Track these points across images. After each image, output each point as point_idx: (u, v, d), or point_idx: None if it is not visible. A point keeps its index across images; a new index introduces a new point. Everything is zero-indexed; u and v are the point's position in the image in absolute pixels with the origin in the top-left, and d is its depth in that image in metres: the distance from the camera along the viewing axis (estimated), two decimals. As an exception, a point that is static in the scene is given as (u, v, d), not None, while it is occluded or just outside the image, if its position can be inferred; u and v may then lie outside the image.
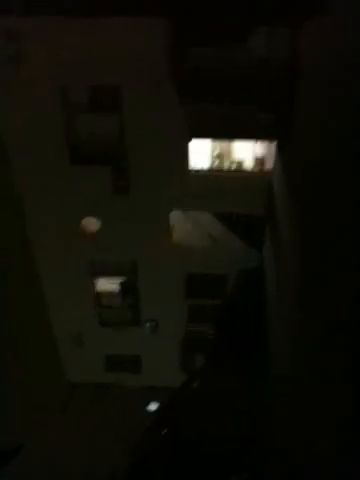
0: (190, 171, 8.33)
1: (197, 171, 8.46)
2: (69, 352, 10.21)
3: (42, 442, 8.81)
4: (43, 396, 9.16)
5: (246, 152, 8.55)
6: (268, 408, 8.20)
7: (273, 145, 7.95)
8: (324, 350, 4.95)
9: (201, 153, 8.60)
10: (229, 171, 8.57)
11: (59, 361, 10.10)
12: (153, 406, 9.54)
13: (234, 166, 8.67)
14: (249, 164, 8.56)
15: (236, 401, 8.74)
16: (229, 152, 8.85)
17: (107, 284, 9.79)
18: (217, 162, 8.81)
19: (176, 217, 9.32)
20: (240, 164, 8.65)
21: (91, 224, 9.24)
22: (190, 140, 7.82)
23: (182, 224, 9.48)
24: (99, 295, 9.89)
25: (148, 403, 9.59)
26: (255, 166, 8.44)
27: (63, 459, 8.77)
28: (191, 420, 8.73)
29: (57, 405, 9.59)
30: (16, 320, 9.04)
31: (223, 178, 8.57)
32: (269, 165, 8.19)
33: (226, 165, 8.69)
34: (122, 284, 9.75)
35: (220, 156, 8.85)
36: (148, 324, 9.83)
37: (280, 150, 7.66)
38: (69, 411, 9.59)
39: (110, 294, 9.82)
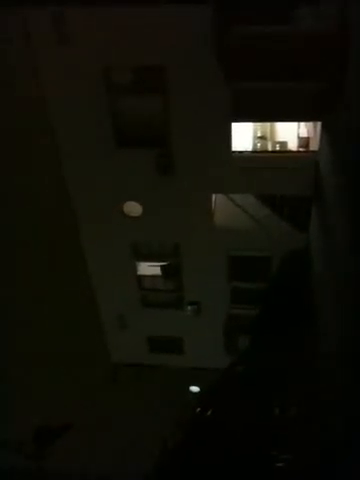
0: (233, 153, 8.25)
1: (240, 152, 8.40)
2: (113, 334, 10.36)
3: (89, 420, 8.99)
4: (89, 376, 9.33)
5: (290, 133, 8.44)
6: (314, 387, 8.14)
7: (317, 125, 7.84)
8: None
9: (244, 134, 8.54)
10: (273, 152, 8.47)
11: (104, 342, 10.27)
12: (196, 388, 9.61)
13: (278, 147, 8.57)
14: (293, 145, 8.44)
15: (281, 382, 8.71)
16: (272, 133, 8.77)
17: (150, 267, 9.88)
18: (260, 144, 8.74)
19: (219, 200, 9.31)
20: (284, 145, 8.54)
21: (134, 208, 9.33)
22: (234, 121, 7.77)
23: (225, 207, 9.45)
24: (141, 278, 9.98)
25: (191, 384, 9.67)
26: (300, 146, 8.33)
27: (110, 437, 8.93)
28: (235, 402, 8.76)
29: (103, 385, 9.75)
30: (62, 302, 9.24)
31: (267, 159, 8.50)
32: (314, 145, 8.08)
33: (269, 146, 8.60)
34: (165, 267, 9.82)
35: (263, 137, 8.77)
36: (190, 307, 9.88)
37: (326, 129, 7.55)
38: (114, 391, 9.75)
39: (152, 277, 9.90)
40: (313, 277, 9.12)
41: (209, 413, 8.78)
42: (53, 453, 8.80)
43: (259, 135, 8.78)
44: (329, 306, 7.75)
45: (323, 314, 8.15)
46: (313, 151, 8.06)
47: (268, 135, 8.69)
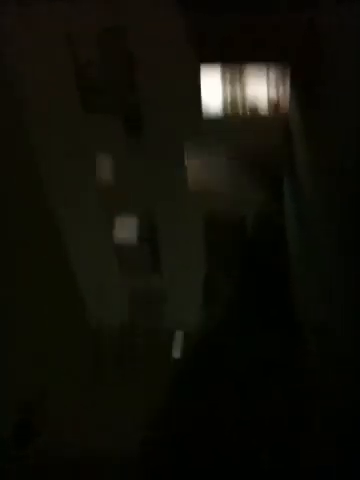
0: (203, 116, 8.11)
1: (210, 115, 8.25)
2: (91, 300, 10.41)
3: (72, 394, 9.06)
4: (69, 342, 9.41)
5: (260, 96, 8.28)
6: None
7: (287, 85, 7.70)
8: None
9: (213, 98, 8.35)
10: (244, 114, 8.33)
11: (83, 308, 10.32)
12: (177, 350, 9.80)
13: (248, 108, 8.42)
14: (264, 108, 8.30)
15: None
16: (242, 96, 8.58)
17: (124, 232, 9.82)
18: (230, 107, 8.55)
19: (191, 164, 9.19)
20: (254, 106, 8.39)
21: (105, 172, 9.20)
22: (200, 66, 7.48)
23: (197, 171, 9.37)
24: (116, 243, 9.95)
25: (172, 347, 9.83)
26: (270, 109, 8.21)
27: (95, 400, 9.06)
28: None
29: (83, 349, 9.87)
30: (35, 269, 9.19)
31: (237, 122, 8.36)
32: (284, 107, 7.96)
33: (240, 109, 8.44)
34: (139, 231, 9.77)
35: (233, 100, 8.57)
36: (169, 269, 9.91)
37: (296, 90, 7.42)
38: (96, 355, 9.88)
39: (127, 241, 9.86)
40: (288, 242, 9.23)
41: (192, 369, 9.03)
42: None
43: (229, 98, 8.56)
44: (303, 266, 7.88)
45: (297, 275, 8.29)
46: (284, 113, 7.94)
47: (238, 98, 8.50)
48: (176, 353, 9.71)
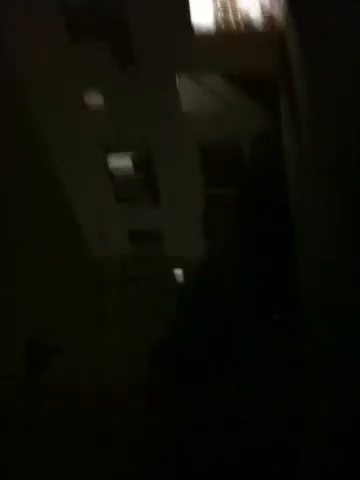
0: (194, 31, 7.73)
1: (202, 30, 7.80)
2: (91, 230, 10.31)
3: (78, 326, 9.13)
4: (71, 274, 9.39)
5: (254, 10, 7.77)
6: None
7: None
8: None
9: (204, 14, 7.84)
10: (237, 29, 7.84)
11: (84, 240, 10.25)
12: (179, 275, 9.83)
13: (240, 19, 7.89)
14: (255, 15, 7.78)
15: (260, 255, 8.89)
16: (235, 11, 8.04)
17: (119, 160, 9.56)
18: (221, 15, 8.00)
19: (184, 83, 8.77)
20: (246, 16, 7.87)
21: (96, 99, 8.86)
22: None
23: (191, 90, 8.96)
24: (112, 172, 9.72)
25: (174, 272, 9.86)
26: (265, 24, 7.72)
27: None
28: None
29: (86, 282, 9.89)
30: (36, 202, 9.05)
31: (231, 39, 7.91)
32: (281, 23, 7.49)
33: (233, 25, 7.93)
34: (134, 159, 9.51)
35: (224, 7, 8.00)
36: (166, 196, 9.73)
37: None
38: (100, 288, 9.92)
39: (123, 170, 9.63)
40: (285, 161, 9.01)
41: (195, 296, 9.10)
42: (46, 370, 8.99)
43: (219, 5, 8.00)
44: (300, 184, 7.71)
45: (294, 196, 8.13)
46: (279, 27, 7.48)
47: (230, 11, 7.96)
48: (177, 285, 9.75)
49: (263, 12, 7.73)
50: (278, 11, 7.50)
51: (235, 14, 8.04)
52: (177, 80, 8.59)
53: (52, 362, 8.81)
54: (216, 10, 8.15)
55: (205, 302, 9.23)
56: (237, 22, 7.99)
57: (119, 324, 9.37)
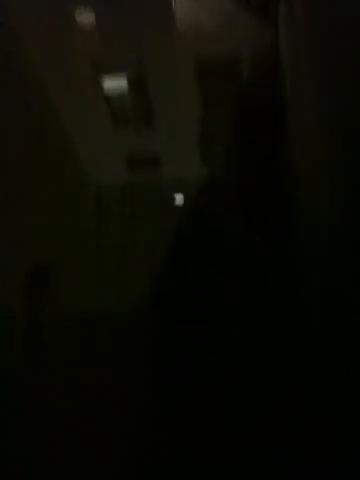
0: None
1: None
2: (88, 156, 10.07)
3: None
4: (70, 202, 9.18)
5: None
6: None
7: None
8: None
9: None
10: None
11: (80, 168, 10.02)
12: (179, 199, 9.63)
13: None
14: None
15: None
16: None
17: (114, 82, 9.32)
18: None
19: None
20: None
21: (88, 18, 8.58)
22: None
23: (187, 6, 8.75)
24: (107, 95, 9.46)
25: (176, 195, 9.66)
26: None
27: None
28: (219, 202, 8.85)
29: (85, 211, 9.68)
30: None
31: None
32: None
33: None
34: (130, 80, 9.27)
35: None
36: (163, 119, 9.53)
37: None
38: (100, 213, 9.71)
39: (118, 93, 9.39)
40: (284, 74, 8.82)
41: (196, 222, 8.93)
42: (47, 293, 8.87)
43: None
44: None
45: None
46: None
47: None
48: (177, 209, 9.52)
49: None
50: None
51: None
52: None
53: (53, 289, 8.66)
54: None
55: (206, 225, 9.10)
56: None
57: (119, 250, 9.19)
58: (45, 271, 8.66)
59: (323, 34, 5.50)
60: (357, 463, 4.00)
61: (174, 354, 6.76)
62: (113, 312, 7.83)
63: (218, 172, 9.37)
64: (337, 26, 4.69)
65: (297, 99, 7.86)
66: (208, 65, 9.15)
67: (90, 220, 9.54)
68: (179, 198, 9.63)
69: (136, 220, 9.45)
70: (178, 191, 9.62)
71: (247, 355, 6.34)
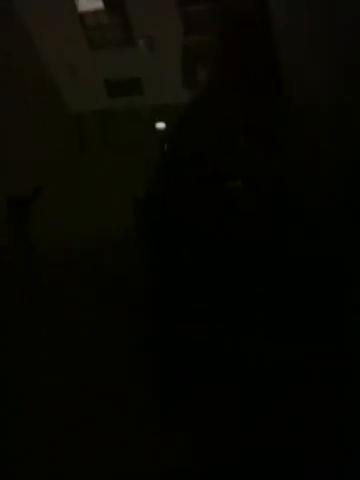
0: None
1: None
2: (66, 83, 9.74)
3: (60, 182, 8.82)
4: (50, 133, 8.98)
5: None
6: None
7: None
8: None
9: None
10: None
11: (59, 94, 9.71)
12: (162, 125, 9.43)
13: None
14: None
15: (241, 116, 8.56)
16: None
17: (89, 1, 8.85)
18: None
19: None
20: None
21: None
22: None
23: None
24: (83, 15, 9.00)
25: (156, 123, 9.46)
26: None
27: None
28: (200, 132, 8.69)
29: (67, 139, 9.49)
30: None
31: None
32: None
33: None
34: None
35: None
36: (142, 41, 9.14)
37: None
38: (79, 143, 9.53)
39: (95, 12, 8.94)
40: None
41: (177, 147, 8.76)
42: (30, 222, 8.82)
43: None
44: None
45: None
46: None
47: None
48: (160, 125, 9.32)
49: None
50: None
51: None
52: None
53: (36, 216, 8.61)
54: None
55: (190, 153, 8.96)
56: None
57: (101, 177, 9.09)
58: (26, 203, 8.59)
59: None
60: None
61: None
62: (97, 243, 7.84)
63: (203, 98, 9.12)
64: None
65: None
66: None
67: (70, 149, 9.36)
68: (161, 124, 9.46)
69: (118, 147, 9.29)
70: (160, 117, 9.41)
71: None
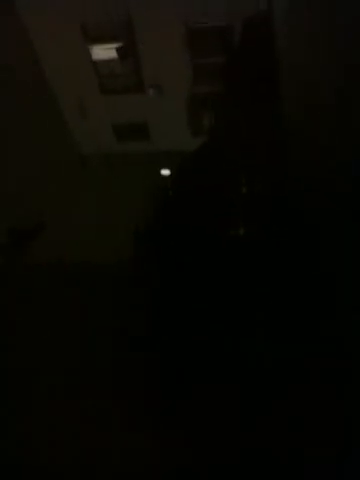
0: None
1: None
2: (75, 125, 10.02)
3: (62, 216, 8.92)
4: (57, 171, 9.14)
5: None
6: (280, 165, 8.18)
7: None
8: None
9: None
10: None
11: (68, 135, 9.97)
12: (167, 171, 9.60)
13: None
14: None
15: (249, 158, 8.72)
16: None
17: (104, 50, 9.22)
18: None
19: None
20: None
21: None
22: None
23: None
24: (97, 63, 9.37)
25: (162, 168, 9.63)
26: None
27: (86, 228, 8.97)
28: (205, 180, 8.82)
29: (72, 178, 9.64)
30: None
31: None
32: None
33: None
34: (119, 49, 9.17)
35: None
36: (152, 89, 9.47)
37: None
38: (84, 181, 9.68)
39: (108, 61, 9.30)
40: (276, 45, 8.69)
41: (180, 192, 8.87)
42: (29, 251, 8.86)
43: None
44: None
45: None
46: None
47: None
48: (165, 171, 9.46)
49: None
50: None
51: None
52: None
53: (36, 243, 8.64)
54: None
55: (192, 194, 9.06)
56: None
57: (104, 213, 9.16)
58: (28, 236, 8.62)
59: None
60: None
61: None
62: (97, 264, 7.82)
63: (207, 144, 9.30)
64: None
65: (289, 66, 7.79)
66: (198, 33, 9.04)
67: (75, 186, 9.49)
68: (165, 171, 9.59)
69: (122, 189, 9.38)
70: (164, 164, 9.57)
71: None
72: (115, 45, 9.15)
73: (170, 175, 9.67)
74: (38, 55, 9.26)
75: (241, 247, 7.54)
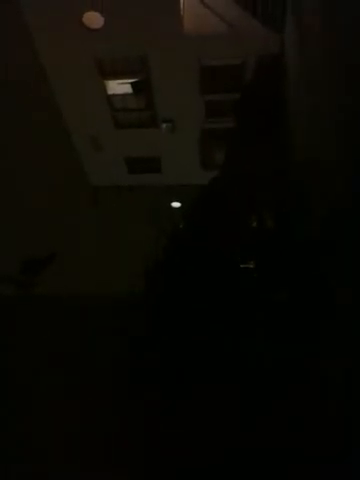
0: None
1: None
2: (88, 157, 10.11)
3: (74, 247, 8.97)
4: (69, 202, 9.22)
5: None
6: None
7: None
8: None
9: None
10: None
11: (80, 167, 10.06)
12: (178, 204, 9.66)
13: None
14: None
15: (259, 190, 8.77)
16: None
17: (118, 85, 9.36)
18: None
19: (188, 2, 8.59)
20: None
21: (94, 19, 8.58)
22: None
23: (194, 9, 8.74)
24: (111, 98, 9.51)
25: (173, 202, 9.68)
26: None
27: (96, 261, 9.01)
28: (216, 215, 8.86)
29: (84, 210, 9.70)
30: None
31: None
32: None
33: None
34: (134, 84, 9.31)
35: None
36: (165, 124, 9.58)
37: None
38: (96, 214, 9.74)
39: (122, 96, 9.44)
40: (287, 84, 8.82)
41: (191, 225, 8.89)
42: (41, 283, 8.89)
43: None
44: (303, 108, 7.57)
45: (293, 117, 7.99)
46: None
47: None
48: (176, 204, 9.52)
49: None
50: None
51: None
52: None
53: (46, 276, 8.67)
54: None
55: (202, 233, 9.07)
56: None
57: (114, 247, 9.20)
58: (40, 266, 8.65)
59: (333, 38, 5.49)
60: (357, 463, 3.95)
61: (175, 354, 6.67)
62: (105, 305, 7.79)
63: (218, 178, 9.36)
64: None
65: (299, 104, 7.88)
66: (213, 70, 9.19)
67: (87, 218, 9.53)
68: (176, 204, 9.61)
69: (132, 221, 9.41)
70: (175, 197, 9.61)
71: (247, 355, 6.27)
72: (130, 80, 9.31)
73: (181, 208, 9.71)
74: (54, 89, 9.36)
75: (250, 277, 7.49)
